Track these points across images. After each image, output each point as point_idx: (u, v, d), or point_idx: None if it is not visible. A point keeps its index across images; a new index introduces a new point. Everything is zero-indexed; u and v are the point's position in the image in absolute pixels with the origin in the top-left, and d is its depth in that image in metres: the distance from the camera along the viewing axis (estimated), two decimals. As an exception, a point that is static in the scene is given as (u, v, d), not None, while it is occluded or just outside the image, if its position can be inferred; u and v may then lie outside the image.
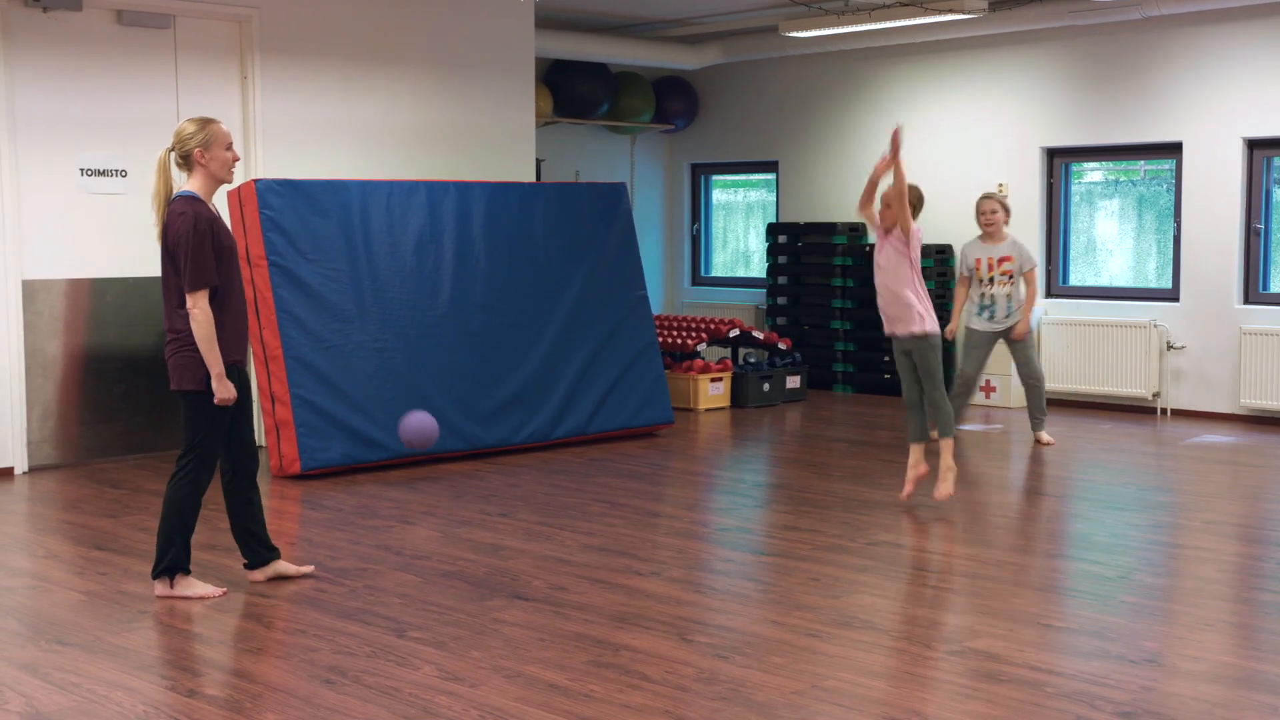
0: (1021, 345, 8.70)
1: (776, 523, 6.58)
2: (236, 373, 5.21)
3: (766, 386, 10.66)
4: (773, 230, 12.03)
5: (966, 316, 8.72)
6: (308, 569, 5.58)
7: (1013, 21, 10.16)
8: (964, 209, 11.12)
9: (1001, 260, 8.59)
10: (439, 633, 4.79)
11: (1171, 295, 10.10)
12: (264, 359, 7.74)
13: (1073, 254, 10.80)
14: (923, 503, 7.00)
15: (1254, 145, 9.66)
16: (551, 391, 8.67)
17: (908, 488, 6.89)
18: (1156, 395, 10.05)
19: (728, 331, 10.84)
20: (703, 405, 10.38)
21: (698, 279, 13.21)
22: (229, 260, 5.17)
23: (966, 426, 9.66)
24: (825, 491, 7.26)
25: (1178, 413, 9.98)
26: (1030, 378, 8.80)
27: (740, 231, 13.19)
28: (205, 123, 5.19)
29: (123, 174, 8.26)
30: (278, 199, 7.79)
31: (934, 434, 6.90)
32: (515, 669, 4.39)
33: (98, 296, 8.24)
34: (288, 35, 8.73)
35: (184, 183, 5.23)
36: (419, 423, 6.34)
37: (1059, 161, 10.72)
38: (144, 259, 8.37)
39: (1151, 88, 10.04)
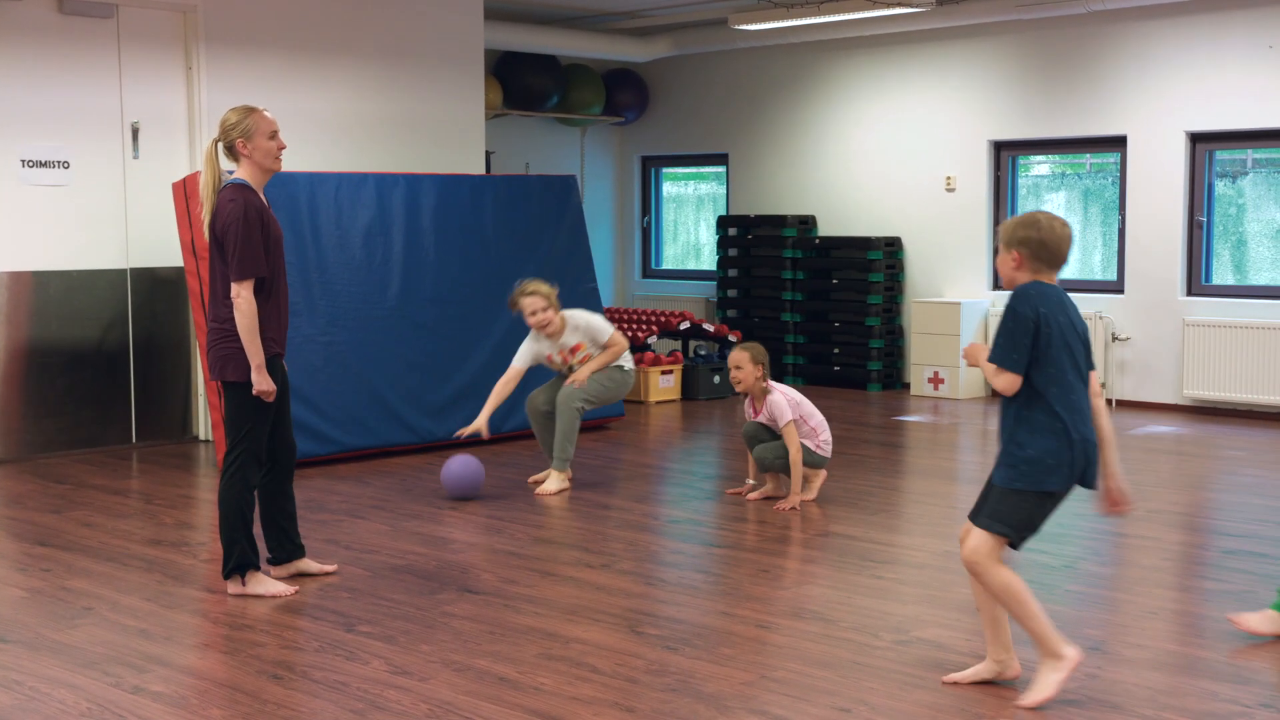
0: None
1: (727, 514, 6.60)
2: (277, 366, 5.12)
3: (717, 379, 10.68)
4: (723, 223, 12.05)
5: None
6: (331, 567, 5.47)
7: (960, 15, 10.23)
8: (912, 203, 11.20)
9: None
10: (388, 627, 4.77)
11: (1116, 287, 10.21)
12: (210, 352, 7.67)
13: (1020, 246, 10.88)
14: (873, 494, 7.04)
15: (1196, 139, 9.77)
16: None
17: (746, 488, 6.85)
18: (1102, 386, 10.15)
19: (678, 324, 10.85)
20: (653, 398, 10.39)
21: (648, 272, 13.21)
22: (276, 251, 5.07)
23: (914, 418, 9.73)
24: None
25: (1123, 403, 10.09)
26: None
27: (690, 224, 13.21)
28: (247, 112, 5.03)
29: (65, 165, 8.15)
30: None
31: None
32: (465, 662, 4.38)
33: (40, 290, 8.12)
34: (233, 26, 8.65)
35: (235, 172, 5.12)
36: (460, 474, 6.65)
37: (1006, 155, 10.81)
38: (87, 251, 8.28)
39: (1096, 82, 10.14)
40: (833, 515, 6.53)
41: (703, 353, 10.97)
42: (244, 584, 5.14)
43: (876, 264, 11.09)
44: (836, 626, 4.75)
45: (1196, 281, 9.87)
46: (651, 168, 13.18)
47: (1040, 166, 10.97)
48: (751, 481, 6.94)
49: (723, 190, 12.71)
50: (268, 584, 5.17)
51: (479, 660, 4.40)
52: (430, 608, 4.99)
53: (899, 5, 9.70)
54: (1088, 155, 10.63)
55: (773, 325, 11.67)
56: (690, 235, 13.23)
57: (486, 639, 4.62)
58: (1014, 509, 3.91)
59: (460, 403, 8.41)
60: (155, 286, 8.54)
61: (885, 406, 10.30)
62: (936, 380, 10.67)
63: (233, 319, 4.96)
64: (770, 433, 6.72)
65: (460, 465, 6.86)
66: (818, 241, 11.48)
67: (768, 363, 6.67)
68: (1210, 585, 5.38)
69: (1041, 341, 3.87)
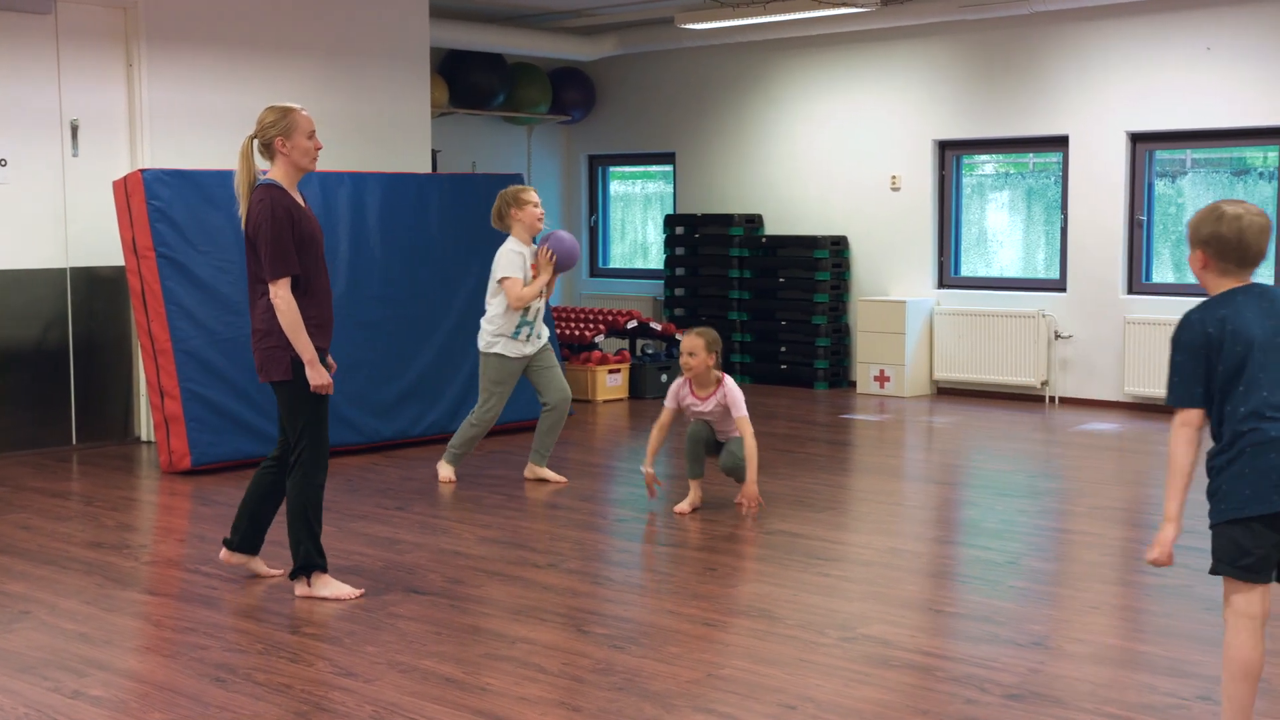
0: None
1: (674, 513, 6.60)
2: (323, 362, 5.07)
3: (665, 377, 10.69)
4: (670, 222, 12.07)
5: (491, 338, 7.11)
6: (280, 572, 5.40)
7: (905, 15, 10.29)
8: (858, 202, 11.26)
9: None
10: (333, 628, 4.74)
11: (1059, 286, 10.32)
12: (152, 352, 7.59)
13: (964, 245, 10.99)
14: (819, 492, 7.08)
15: (1137, 139, 9.89)
16: (449, 383, 8.62)
17: (686, 506, 6.60)
18: (1045, 384, 10.26)
19: (625, 323, 10.85)
20: (601, 397, 10.38)
21: (595, 270, 13.21)
22: (310, 249, 4.99)
23: (860, 416, 9.78)
24: (722, 481, 7.29)
25: (1065, 400, 10.20)
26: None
27: (638, 223, 13.21)
28: (286, 111, 5.00)
29: (2, 163, 8.03)
30: (166, 190, 7.64)
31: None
32: (410, 663, 4.35)
33: (-22, 289, 8.01)
34: (174, 22, 8.56)
35: (268, 171, 5.08)
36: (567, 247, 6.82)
37: (951, 154, 10.89)
38: (24, 250, 8.17)
39: (1039, 82, 10.24)
40: (779, 513, 6.55)
41: (650, 351, 10.98)
42: (310, 585, 5.08)
43: (823, 263, 11.14)
44: (783, 624, 4.76)
45: (1137, 280, 9.99)
46: (599, 167, 13.18)
47: (985, 166, 11.06)
48: (692, 500, 6.65)
49: (670, 189, 12.73)
50: (334, 586, 5.11)
51: (425, 661, 4.38)
52: (376, 608, 4.96)
53: (844, 5, 9.75)
54: (1031, 155, 10.73)
55: (720, 324, 11.68)
56: (637, 234, 13.24)
57: (432, 639, 4.60)
58: None
59: (407, 402, 8.38)
60: (95, 286, 8.44)
61: (832, 405, 10.36)
62: (883, 378, 10.73)
63: (269, 319, 4.93)
64: (711, 431, 6.66)
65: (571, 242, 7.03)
66: (764, 240, 11.52)
67: (720, 351, 6.59)
68: (1150, 580, 5.45)
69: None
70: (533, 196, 7.12)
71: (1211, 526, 3.44)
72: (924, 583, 5.43)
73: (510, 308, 6.99)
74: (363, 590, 5.15)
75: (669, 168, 12.68)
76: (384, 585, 5.28)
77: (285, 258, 4.89)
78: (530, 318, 7.08)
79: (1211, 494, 3.43)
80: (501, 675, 4.23)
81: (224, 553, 5.36)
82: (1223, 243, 3.41)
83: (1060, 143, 10.24)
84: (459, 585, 5.28)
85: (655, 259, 12.81)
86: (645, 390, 10.62)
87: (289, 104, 5.06)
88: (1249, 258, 3.42)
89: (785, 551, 5.82)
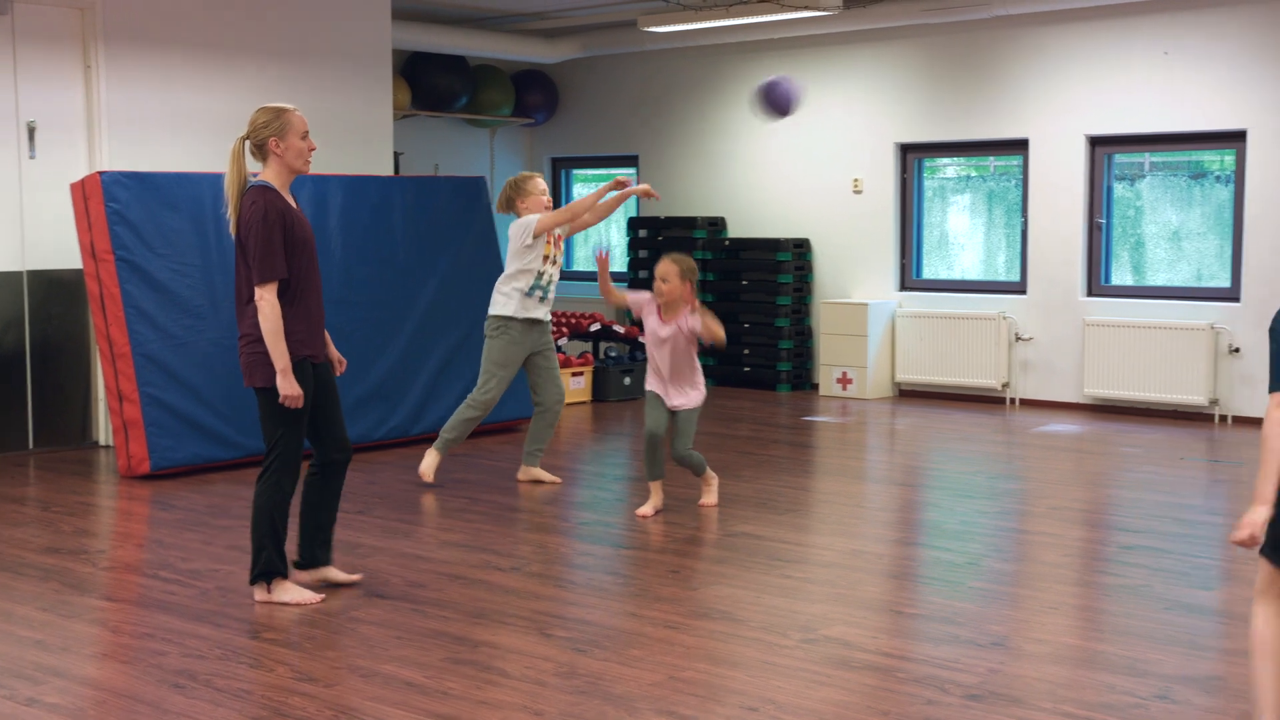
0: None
1: (636, 516, 6.60)
2: (310, 368, 5.00)
3: (628, 380, 10.69)
4: (633, 224, 12.07)
5: (503, 300, 7.13)
6: (356, 577, 5.34)
7: (867, 19, 10.34)
8: (820, 205, 11.30)
9: None
10: (293, 633, 4.71)
11: (1019, 288, 10.39)
12: (111, 356, 7.53)
13: (926, 248, 11.04)
14: (780, 494, 7.10)
15: (1096, 142, 9.97)
16: (411, 387, 8.59)
17: (649, 509, 6.56)
18: (1006, 385, 10.33)
19: (589, 326, 10.84)
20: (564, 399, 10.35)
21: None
22: (301, 253, 4.92)
23: (823, 418, 9.82)
24: (686, 484, 7.30)
25: (1025, 402, 10.26)
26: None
27: (601, 225, 13.19)
28: (279, 111, 4.93)
29: (-41, 165, 7.95)
30: (124, 192, 7.58)
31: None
32: (371, 668, 4.33)
33: (-67, 292, 7.92)
34: (133, 23, 8.49)
35: (260, 172, 5.01)
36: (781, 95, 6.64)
37: (913, 157, 10.95)
38: (-18, 253, 8.09)
39: (1000, 86, 10.30)
40: (741, 515, 6.56)
41: (613, 354, 10.98)
42: (269, 591, 5.04)
43: (785, 265, 11.18)
44: (745, 626, 4.77)
45: (1096, 282, 10.07)
46: (562, 169, 13.17)
47: (946, 169, 11.12)
48: (654, 502, 6.60)
49: (633, 184, 12.70)
50: (294, 591, 5.06)
51: (386, 665, 4.36)
52: (337, 613, 4.94)
53: (806, 8, 9.78)
54: (992, 158, 10.80)
55: (683, 326, 11.68)
56: (601, 237, 13.22)
57: (393, 644, 4.59)
58: None
59: (368, 405, 8.34)
60: (53, 289, 8.36)
61: (794, 407, 10.38)
62: (845, 380, 10.77)
63: (258, 324, 4.87)
64: (666, 418, 6.54)
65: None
66: (727, 243, 11.54)
67: (696, 279, 6.47)
68: (1109, 580, 5.49)
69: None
70: (538, 185, 7.14)
71: None
72: (885, 584, 5.45)
73: (536, 235, 6.99)
74: (323, 595, 5.12)
75: (632, 170, 12.68)
76: (345, 590, 5.25)
77: (273, 262, 4.83)
78: (544, 283, 7.12)
79: None
80: (463, 679, 4.22)
81: (300, 576, 5.23)
82: None
83: (1020, 146, 10.31)
84: (420, 589, 5.26)
85: (618, 262, 12.80)
86: (608, 393, 10.62)
87: (282, 104, 5.00)
88: None
89: (747, 553, 5.83)
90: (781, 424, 9.65)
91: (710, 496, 6.75)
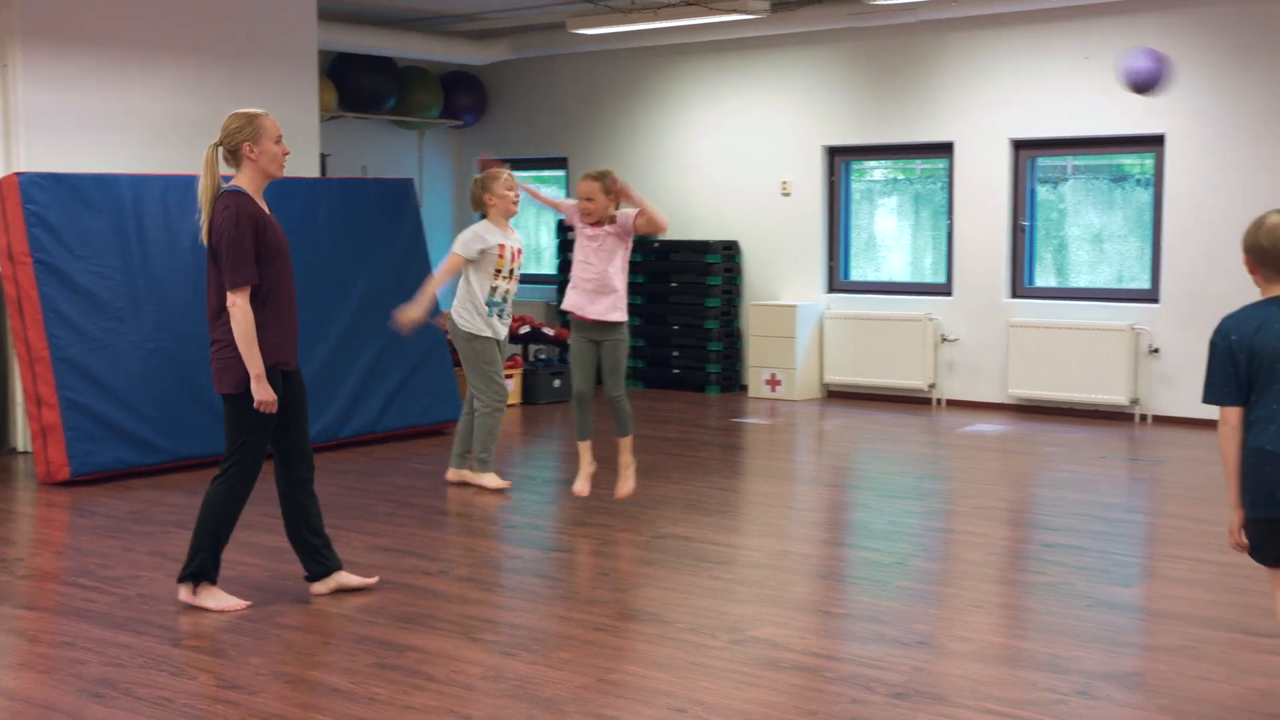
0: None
1: (565, 518, 6.59)
2: (280, 376, 4.93)
3: (557, 383, 10.67)
4: (563, 226, 12.05)
5: (468, 316, 7.06)
6: (373, 580, 5.28)
7: (794, 22, 10.40)
8: (749, 207, 11.36)
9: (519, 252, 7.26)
10: (217, 640, 4.65)
11: (945, 290, 10.50)
12: (29, 361, 7.39)
13: (853, 250, 11.13)
14: (709, 495, 7.12)
15: (1019, 146, 10.10)
16: (339, 390, 8.51)
17: (584, 485, 6.65)
18: (932, 386, 10.43)
19: (518, 328, 10.81)
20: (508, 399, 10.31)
21: (488, 275, 13.12)
22: (274, 258, 4.88)
23: (752, 419, 9.86)
24: (614, 486, 7.30)
25: (951, 403, 10.37)
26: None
27: (531, 228, 13.17)
28: (252, 116, 4.90)
29: None
30: (42, 194, 7.45)
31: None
32: (297, 674, 4.29)
33: None
34: (51, 22, 8.34)
35: (233, 178, 4.96)
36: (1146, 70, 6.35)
37: (840, 160, 11.03)
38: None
39: (926, 89, 10.41)
40: (670, 517, 6.57)
41: (543, 356, 10.95)
42: (195, 594, 4.99)
43: (714, 267, 11.22)
44: (673, 627, 4.78)
45: (1020, 284, 10.20)
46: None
47: (874, 172, 11.21)
48: (588, 473, 6.65)
49: (562, 194, 12.70)
50: (220, 597, 5.01)
51: (312, 671, 4.32)
52: (261, 619, 4.88)
53: (734, 12, 9.82)
54: (918, 161, 10.90)
55: (613, 329, 11.69)
56: (530, 238, 13.19)
57: (319, 650, 4.54)
58: None
59: (295, 409, 8.25)
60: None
61: (723, 408, 10.42)
62: (774, 382, 10.83)
63: (230, 331, 4.82)
64: (596, 352, 6.53)
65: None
66: (656, 245, 11.56)
67: (618, 185, 6.43)
68: (1032, 578, 5.56)
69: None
70: (505, 182, 7.01)
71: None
72: (813, 584, 5.48)
73: (447, 272, 6.91)
74: (249, 603, 5.07)
75: (562, 172, 12.67)
76: (271, 596, 5.19)
77: (245, 267, 4.79)
78: (499, 298, 7.04)
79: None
80: (390, 684, 4.19)
81: (313, 586, 5.18)
82: (1261, 252, 3.49)
83: (946, 149, 10.42)
84: (348, 594, 5.21)
85: (548, 264, 12.79)
86: (539, 395, 10.59)
87: (253, 109, 4.99)
88: (1271, 262, 3.48)
89: (676, 555, 5.84)
90: (710, 425, 9.68)
91: (626, 484, 6.67)
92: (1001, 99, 10.05)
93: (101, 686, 4.18)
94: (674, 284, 11.42)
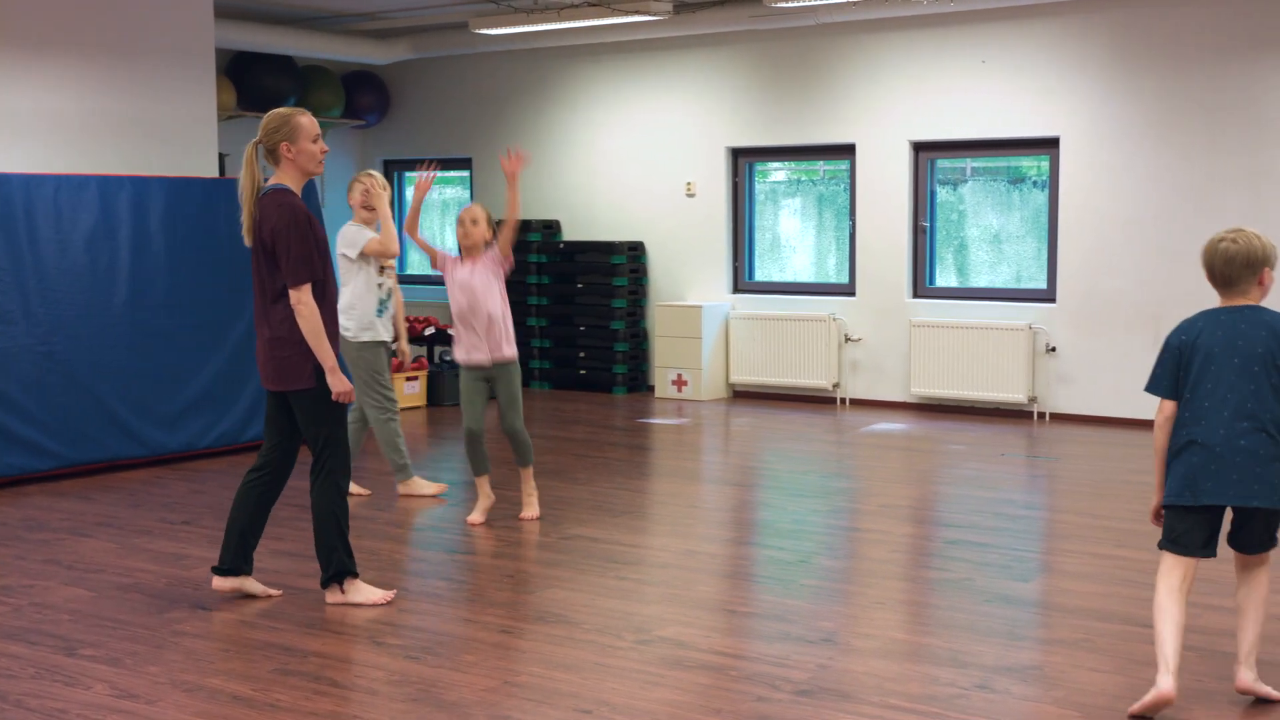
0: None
1: (467, 524, 6.54)
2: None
3: (463, 384, 10.60)
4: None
5: (364, 322, 6.84)
6: (276, 593, 5.21)
7: (697, 24, 10.44)
8: (654, 208, 11.38)
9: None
10: (113, 649, 4.55)
11: (849, 290, 10.61)
12: (-84, 364, 7.18)
13: (758, 251, 11.20)
14: (616, 496, 7.12)
15: (919, 148, 10.24)
16: (240, 392, 8.38)
17: (480, 515, 6.51)
18: (836, 386, 10.53)
19: (423, 329, 10.73)
20: (399, 404, 10.22)
21: (392, 277, 13.00)
22: (325, 254, 4.94)
23: (658, 420, 9.88)
24: (516, 513, 7.28)
25: (855, 402, 10.48)
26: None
27: (435, 228, 13.09)
28: (290, 115, 4.93)
29: None
30: (-71, 192, 7.24)
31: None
32: (196, 682, 4.21)
33: None
34: (-61, 16, 8.12)
35: (272, 175, 4.95)
36: None
37: (744, 161, 11.09)
38: None
39: (827, 91, 10.51)
40: (577, 518, 6.56)
41: (448, 358, 10.88)
42: (343, 592, 5.00)
43: (620, 268, 11.22)
44: (580, 628, 4.77)
45: (921, 284, 10.34)
46: (394, 171, 13.00)
47: (777, 173, 11.30)
48: (485, 506, 6.53)
49: (467, 194, 12.64)
50: (367, 591, 5.05)
51: (212, 679, 4.24)
52: (159, 627, 4.79)
53: (637, 13, 9.83)
54: (821, 162, 11.01)
55: (518, 330, 11.56)
56: (434, 239, 13.09)
57: (220, 657, 4.47)
58: None
59: (195, 411, 8.12)
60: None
61: (630, 409, 10.43)
62: (680, 382, 10.86)
63: (288, 326, 4.85)
64: (488, 390, 6.46)
65: None
66: (562, 246, 11.54)
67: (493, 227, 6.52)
68: (934, 575, 5.64)
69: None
70: (360, 184, 6.89)
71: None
72: (720, 584, 5.51)
73: (371, 264, 6.81)
74: (394, 592, 5.11)
75: (466, 173, 12.60)
76: (168, 602, 5.10)
77: (308, 264, 4.83)
78: (385, 295, 6.92)
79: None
80: (292, 691, 4.13)
81: (215, 580, 5.11)
82: (1211, 269, 3.95)
83: (848, 151, 10.53)
84: (249, 600, 5.13)
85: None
86: (444, 397, 10.52)
87: (292, 108, 5.00)
88: (1219, 279, 3.94)
89: (583, 556, 5.83)
90: (617, 426, 9.68)
91: (530, 509, 6.58)
92: (901, 101, 10.18)
93: (-8, 699, 4.07)
94: (580, 285, 11.41)
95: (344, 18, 11.15)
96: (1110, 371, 9.49)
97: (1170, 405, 3.95)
